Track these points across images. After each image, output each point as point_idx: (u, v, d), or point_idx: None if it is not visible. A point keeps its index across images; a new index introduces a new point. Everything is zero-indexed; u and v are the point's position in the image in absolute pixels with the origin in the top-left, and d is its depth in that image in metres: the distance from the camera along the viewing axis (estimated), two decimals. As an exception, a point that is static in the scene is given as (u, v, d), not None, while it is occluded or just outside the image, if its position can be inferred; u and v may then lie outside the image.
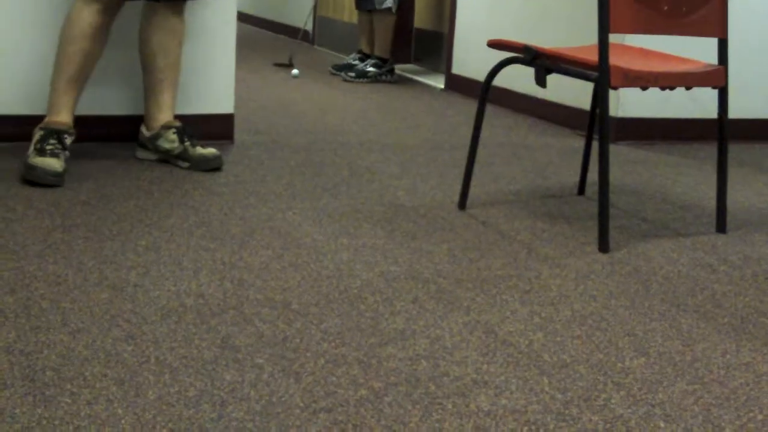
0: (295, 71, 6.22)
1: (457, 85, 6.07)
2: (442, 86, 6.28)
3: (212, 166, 3.54)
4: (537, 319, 2.28)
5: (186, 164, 3.54)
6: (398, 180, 3.59)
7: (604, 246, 2.85)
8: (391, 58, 6.48)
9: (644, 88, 2.96)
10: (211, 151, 3.57)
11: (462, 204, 3.24)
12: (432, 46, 7.01)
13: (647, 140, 4.64)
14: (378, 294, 2.38)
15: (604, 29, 2.81)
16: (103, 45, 3.41)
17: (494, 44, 3.17)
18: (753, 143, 4.75)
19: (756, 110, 4.85)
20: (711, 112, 4.54)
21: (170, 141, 3.56)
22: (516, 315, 2.30)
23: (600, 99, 2.85)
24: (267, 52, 7.83)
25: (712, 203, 3.51)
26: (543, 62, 3.00)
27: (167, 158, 3.59)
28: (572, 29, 4.93)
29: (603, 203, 2.84)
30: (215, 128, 4.01)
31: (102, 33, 3.38)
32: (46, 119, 3.38)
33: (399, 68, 6.98)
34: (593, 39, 4.60)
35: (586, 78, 2.92)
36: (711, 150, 4.52)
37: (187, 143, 3.55)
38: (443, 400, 1.84)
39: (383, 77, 6.39)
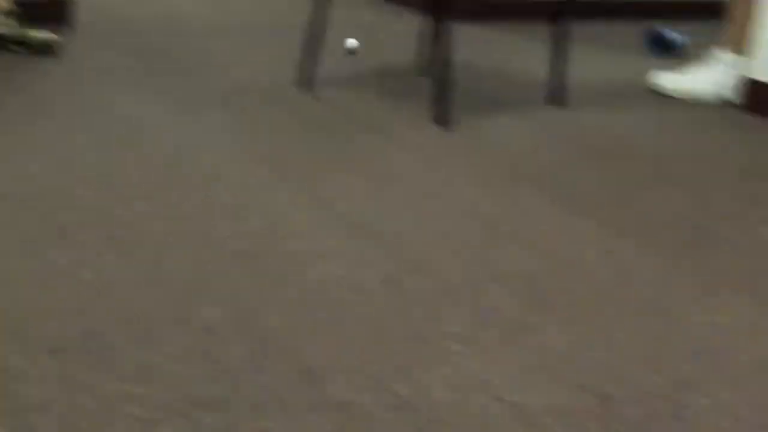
0: (352, 43, 3.98)
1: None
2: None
3: (49, 50, 3.44)
4: (374, 193, 2.32)
5: (22, 49, 3.43)
6: (242, 62, 3.55)
7: (442, 120, 2.89)
8: None
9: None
10: (48, 35, 3.46)
11: (304, 84, 3.23)
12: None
13: (493, 19, 4.68)
14: (217, 174, 2.38)
15: None
16: None
17: None
18: (598, 21, 4.84)
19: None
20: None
21: (6, 25, 3.44)
22: (353, 190, 2.33)
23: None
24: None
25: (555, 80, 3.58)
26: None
27: (2, 43, 3.47)
28: None
29: (442, 78, 2.87)
30: (55, 12, 3.88)
31: None
32: None
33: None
34: None
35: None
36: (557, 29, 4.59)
37: (24, 27, 3.44)
38: (280, 272, 1.87)
39: None
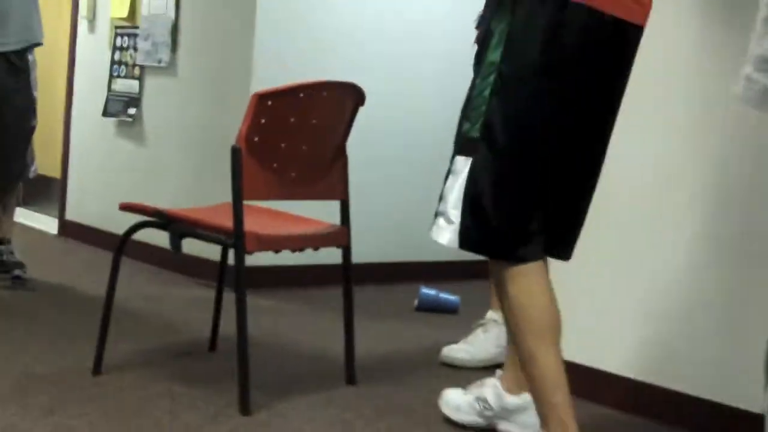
0: None
1: (73, 231, 5.95)
2: (56, 232, 6.13)
3: None
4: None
5: None
6: (26, 347, 3.43)
7: (245, 409, 2.87)
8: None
9: (277, 251, 3.06)
10: None
11: (97, 369, 3.15)
12: (43, 190, 6.83)
13: (270, 287, 4.74)
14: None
15: (237, 197, 2.88)
16: None
17: (126, 208, 3.15)
18: (370, 285, 4.98)
19: (368, 255, 5.10)
20: (333, 257, 4.68)
21: None
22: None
23: (236, 263, 2.90)
24: None
25: (341, 352, 3.59)
26: (178, 227, 3.02)
27: None
28: (187, 185, 5.03)
29: (242, 366, 2.87)
30: None
31: None
32: None
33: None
34: (210, 198, 4.54)
35: (223, 243, 2.98)
36: (334, 293, 4.67)
37: None
38: None
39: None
